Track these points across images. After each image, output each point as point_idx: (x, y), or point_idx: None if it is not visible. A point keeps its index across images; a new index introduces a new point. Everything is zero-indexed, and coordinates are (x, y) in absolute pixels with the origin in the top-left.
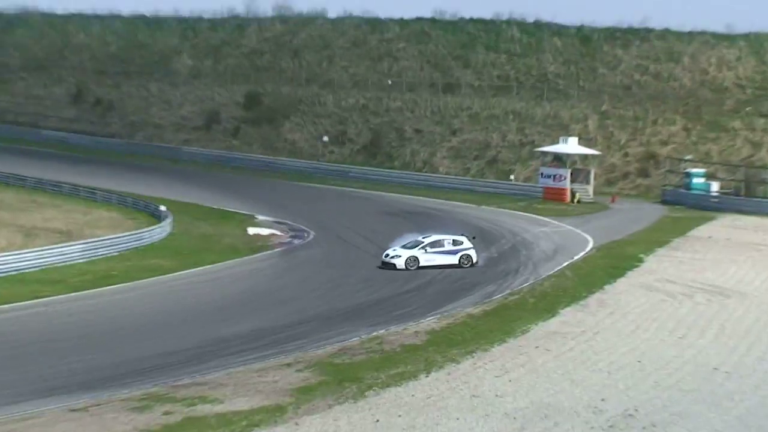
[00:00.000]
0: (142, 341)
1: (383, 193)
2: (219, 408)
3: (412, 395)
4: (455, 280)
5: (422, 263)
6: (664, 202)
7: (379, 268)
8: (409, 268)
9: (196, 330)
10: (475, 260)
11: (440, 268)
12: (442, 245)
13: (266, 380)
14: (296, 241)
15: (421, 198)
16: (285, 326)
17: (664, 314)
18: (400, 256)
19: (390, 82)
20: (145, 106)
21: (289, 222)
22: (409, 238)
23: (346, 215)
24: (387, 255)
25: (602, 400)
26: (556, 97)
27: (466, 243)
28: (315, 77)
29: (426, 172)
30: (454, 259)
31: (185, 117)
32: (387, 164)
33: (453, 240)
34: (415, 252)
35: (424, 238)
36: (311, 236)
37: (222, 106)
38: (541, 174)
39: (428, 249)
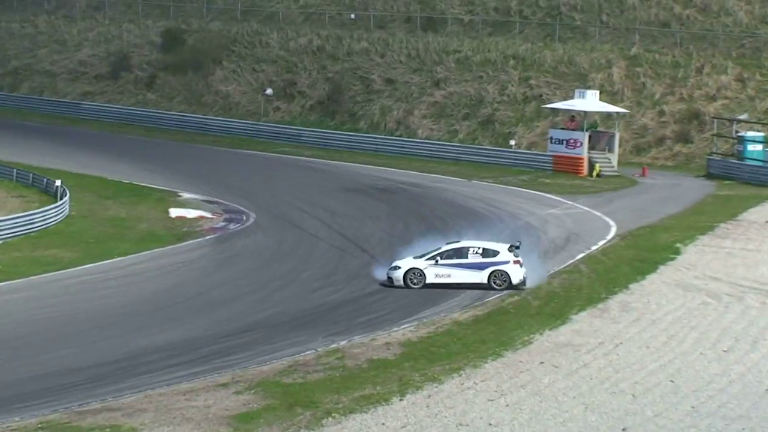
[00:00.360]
0: (36, 356)
1: (344, 163)
2: None
3: (383, 424)
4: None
5: (430, 280)
6: (709, 176)
7: (382, 285)
8: (412, 285)
9: (107, 341)
10: (517, 279)
11: (460, 288)
12: (465, 255)
13: (196, 405)
14: (232, 226)
15: (393, 170)
16: (219, 336)
17: (706, 321)
18: (399, 268)
19: (353, 16)
20: (31, 48)
21: (223, 201)
22: (435, 244)
23: (297, 192)
24: (392, 266)
25: (624, 429)
26: (571, 36)
27: (504, 254)
28: (254, 10)
29: (401, 135)
30: (479, 277)
31: (85, 62)
32: (349, 125)
33: (483, 249)
34: (420, 263)
35: (449, 243)
36: (251, 219)
37: (133, 47)
38: (551, 138)
39: (440, 260)
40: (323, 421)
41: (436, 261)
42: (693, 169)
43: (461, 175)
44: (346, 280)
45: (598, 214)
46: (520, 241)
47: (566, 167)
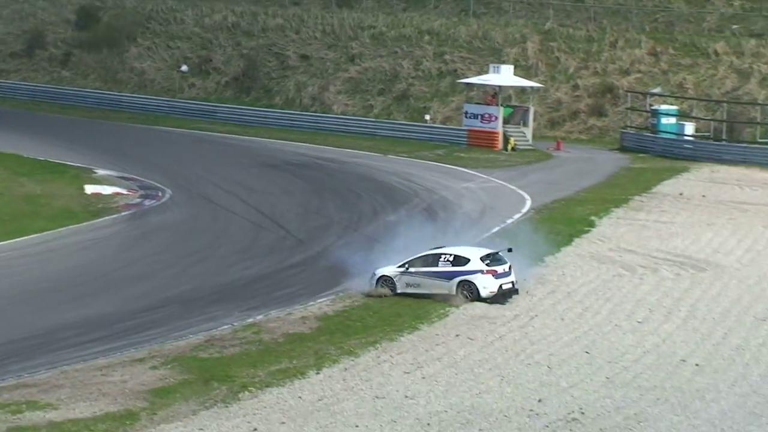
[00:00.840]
0: None
1: (260, 139)
2: (53, 415)
3: (299, 397)
4: (354, 251)
5: (400, 288)
6: (623, 149)
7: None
8: (383, 293)
9: (22, 317)
10: (487, 292)
11: (430, 298)
12: (435, 263)
13: (112, 380)
14: (148, 202)
15: (309, 145)
16: (136, 311)
17: (620, 293)
18: (373, 276)
19: None
20: None
21: (139, 177)
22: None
23: (213, 168)
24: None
25: (539, 401)
26: (485, 12)
27: (474, 261)
28: None
29: (316, 111)
30: (447, 287)
31: None
32: (265, 101)
33: (454, 257)
34: (391, 271)
35: (436, 249)
36: (167, 196)
37: (48, 25)
38: (466, 113)
39: (411, 268)
40: (240, 395)
41: (407, 268)
42: (607, 143)
43: (377, 150)
44: (262, 254)
45: (513, 187)
46: (510, 248)
47: (481, 141)
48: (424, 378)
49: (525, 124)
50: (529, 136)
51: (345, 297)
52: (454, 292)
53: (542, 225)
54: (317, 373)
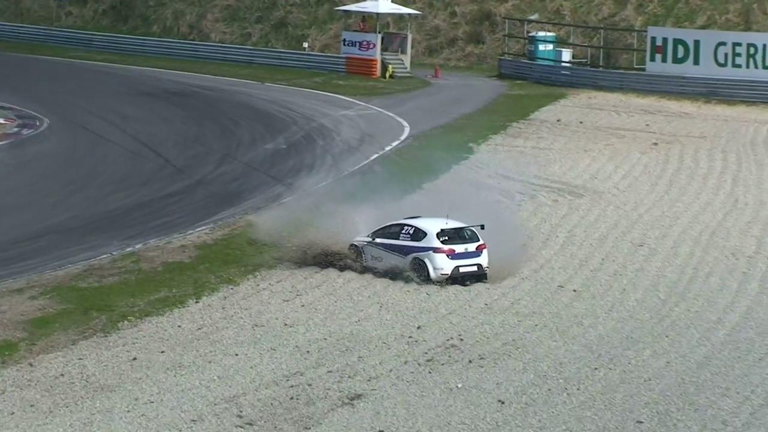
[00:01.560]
0: None
1: (138, 68)
2: None
3: (179, 326)
4: (232, 179)
5: (367, 261)
6: (501, 76)
7: None
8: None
9: None
10: (437, 274)
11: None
12: (396, 235)
13: None
14: (25, 132)
15: (187, 74)
16: (13, 241)
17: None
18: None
19: None
20: None
21: (15, 107)
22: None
23: (90, 97)
24: None
25: (418, 327)
26: None
27: (431, 237)
28: None
29: (193, 39)
30: (403, 264)
31: None
32: (142, 30)
33: (414, 229)
34: (359, 240)
35: (407, 219)
36: (44, 125)
37: None
38: (344, 41)
39: (377, 239)
40: (119, 325)
41: (372, 239)
42: (485, 70)
43: (255, 78)
44: (140, 183)
45: (392, 114)
46: (483, 225)
47: (359, 69)
48: (303, 306)
49: (403, 52)
50: (408, 63)
51: (224, 225)
52: (407, 267)
53: (420, 152)
54: (196, 302)
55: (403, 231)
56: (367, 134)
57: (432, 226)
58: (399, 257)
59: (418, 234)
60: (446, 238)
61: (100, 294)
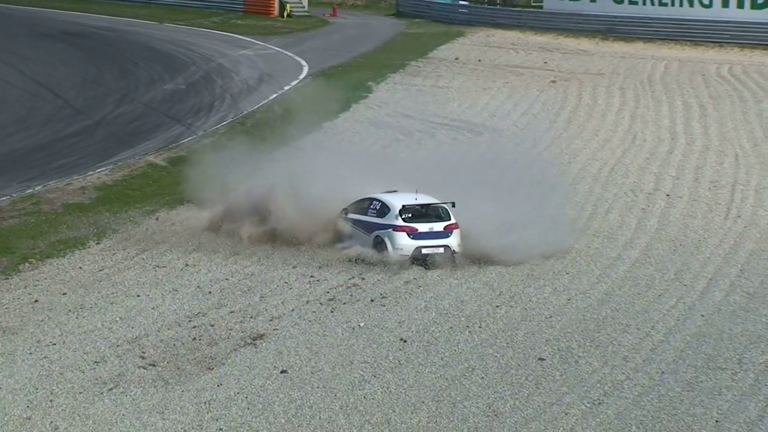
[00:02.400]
0: None
1: (34, 9)
2: None
3: (80, 268)
4: (131, 119)
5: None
6: (399, 15)
7: None
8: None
9: None
10: (397, 254)
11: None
12: (365, 211)
13: None
14: None
15: (85, 14)
16: None
17: (399, 158)
18: None
19: None
20: None
21: None
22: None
23: None
24: None
25: (320, 267)
26: None
27: (393, 213)
28: None
29: None
30: (367, 241)
31: None
32: None
33: (381, 204)
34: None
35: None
36: None
37: None
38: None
39: (349, 214)
40: (20, 267)
41: (346, 213)
42: (383, 9)
43: (153, 18)
44: (40, 124)
45: (290, 54)
46: (453, 202)
47: (257, 9)
48: (204, 245)
49: None
50: (305, 2)
51: (123, 166)
52: (370, 245)
53: (319, 91)
54: (98, 243)
55: (371, 206)
56: (266, 74)
57: (397, 201)
58: (364, 234)
59: (384, 209)
60: (409, 215)
61: (0, 237)
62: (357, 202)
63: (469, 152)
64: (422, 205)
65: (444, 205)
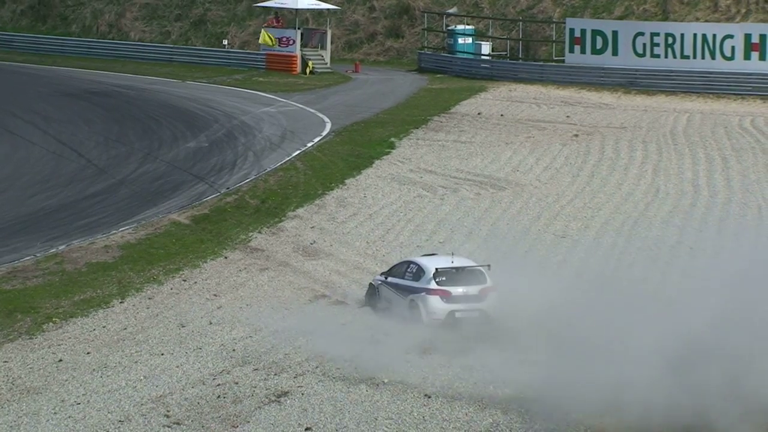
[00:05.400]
0: None
1: (58, 68)
2: None
3: (104, 327)
4: (154, 178)
5: (381, 303)
6: (421, 70)
7: None
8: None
9: None
10: (431, 318)
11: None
12: (403, 274)
13: None
14: None
15: (107, 73)
16: None
17: (422, 213)
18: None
19: None
20: None
21: None
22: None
23: (11, 98)
24: None
25: (343, 324)
26: None
27: (427, 277)
28: None
29: (113, 39)
30: (403, 305)
31: None
32: (61, 30)
33: (417, 267)
34: (376, 280)
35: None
36: None
37: None
38: (260, 43)
39: (389, 278)
40: (44, 327)
41: (386, 278)
42: (405, 64)
43: (175, 76)
44: (63, 184)
45: (313, 110)
46: (489, 265)
47: (279, 65)
48: (228, 304)
49: (323, 47)
50: (327, 59)
51: (147, 225)
52: (407, 314)
53: (342, 147)
54: (121, 302)
55: (408, 269)
56: (289, 131)
57: (433, 263)
58: (400, 298)
59: (420, 273)
60: (443, 278)
61: (25, 296)
62: (396, 265)
63: (492, 207)
64: (457, 268)
65: (480, 268)
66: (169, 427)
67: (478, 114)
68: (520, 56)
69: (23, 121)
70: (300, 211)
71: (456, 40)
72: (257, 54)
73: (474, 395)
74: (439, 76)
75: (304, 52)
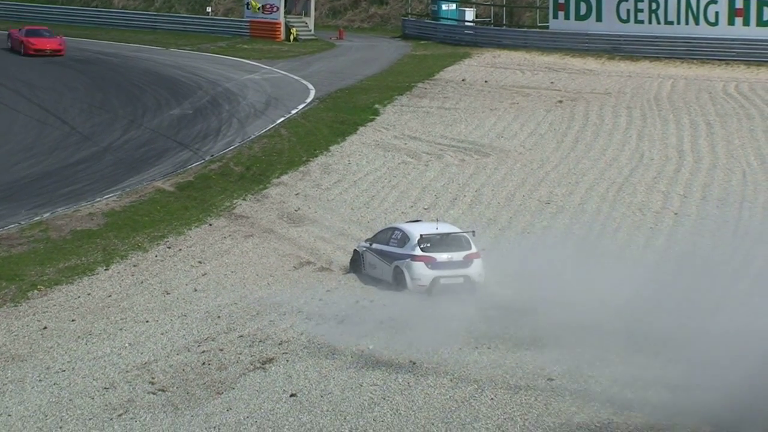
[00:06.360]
0: None
1: None
2: None
3: (88, 294)
4: (139, 145)
5: (366, 270)
6: (405, 37)
7: None
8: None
9: None
10: (416, 284)
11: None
12: (388, 240)
13: None
14: None
15: (91, 41)
16: None
17: (406, 180)
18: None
19: None
20: None
21: None
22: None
23: None
24: None
25: (327, 291)
26: None
27: (412, 243)
28: None
29: (97, 6)
30: (387, 272)
31: None
32: None
33: (402, 234)
34: (360, 246)
35: (409, 222)
36: None
37: None
38: (247, 4)
39: (374, 244)
40: (29, 294)
41: (371, 245)
42: (389, 31)
43: (159, 43)
44: (47, 152)
45: (297, 77)
46: (474, 231)
47: (263, 32)
48: (213, 271)
49: (307, 14)
50: (311, 25)
51: (131, 192)
52: (390, 278)
53: (326, 114)
54: (106, 269)
55: (393, 236)
56: (273, 98)
57: (417, 230)
58: (385, 264)
59: (404, 239)
60: (428, 244)
61: (9, 263)
62: (381, 232)
63: (476, 173)
64: (441, 234)
65: (465, 234)
66: (154, 393)
67: (462, 80)
68: (504, 22)
69: (6, 89)
70: (284, 177)
71: (440, 7)
72: (241, 21)
73: (460, 362)
74: (423, 42)
75: (287, 19)
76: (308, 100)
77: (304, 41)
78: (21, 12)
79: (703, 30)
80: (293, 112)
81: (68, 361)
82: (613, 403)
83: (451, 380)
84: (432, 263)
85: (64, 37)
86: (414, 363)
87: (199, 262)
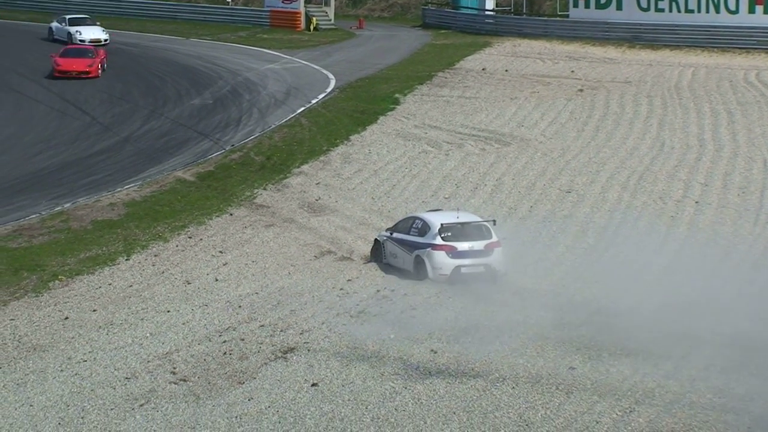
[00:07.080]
0: None
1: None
2: None
3: (110, 284)
4: (159, 135)
5: (386, 258)
6: (425, 26)
7: None
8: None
9: None
10: (437, 273)
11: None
12: (408, 230)
13: None
14: None
15: (111, 30)
16: None
17: (427, 169)
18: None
19: None
20: None
21: None
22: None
23: (14, 56)
24: None
25: (349, 281)
26: None
27: (433, 232)
28: None
29: None
30: (409, 261)
31: None
32: None
33: (422, 223)
34: (381, 235)
35: (430, 211)
36: None
37: None
38: None
39: (394, 233)
40: (50, 284)
41: (391, 234)
42: (409, 20)
43: (179, 33)
44: (68, 142)
45: (317, 67)
46: (494, 220)
47: (283, 22)
48: (233, 261)
49: (327, 4)
50: (332, 15)
51: (152, 182)
52: (411, 267)
53: (347, 104)
54: (127, 260)
55: (414, 225)
56: (293, 87)
57: (438, 219)
58: (406, 254)
59: (425, 228)
60: (449, 233)
61: (30, 254)
62: (402, 221)
63: (497, 162)
64: (462, 224)
65: (485, 224)
66: (175, 383)
67: (483, 69)
68: (525, 11)
69: (28, 80)
70: (305, 167)
71: None
72: (261, 11)
73: (480, 351)
74: (443, 31)
75: (308, 9)
76: (328, 90)
77: (325, 31)
78: (40, 2)
79: (723, 18)
80: (313, 101)
81: (90, 351)
82: (634, 391)
83: (472, 369)
84: (453, 252)
85: (103, 53)
86: (435, 352)
87: (220, 252)
